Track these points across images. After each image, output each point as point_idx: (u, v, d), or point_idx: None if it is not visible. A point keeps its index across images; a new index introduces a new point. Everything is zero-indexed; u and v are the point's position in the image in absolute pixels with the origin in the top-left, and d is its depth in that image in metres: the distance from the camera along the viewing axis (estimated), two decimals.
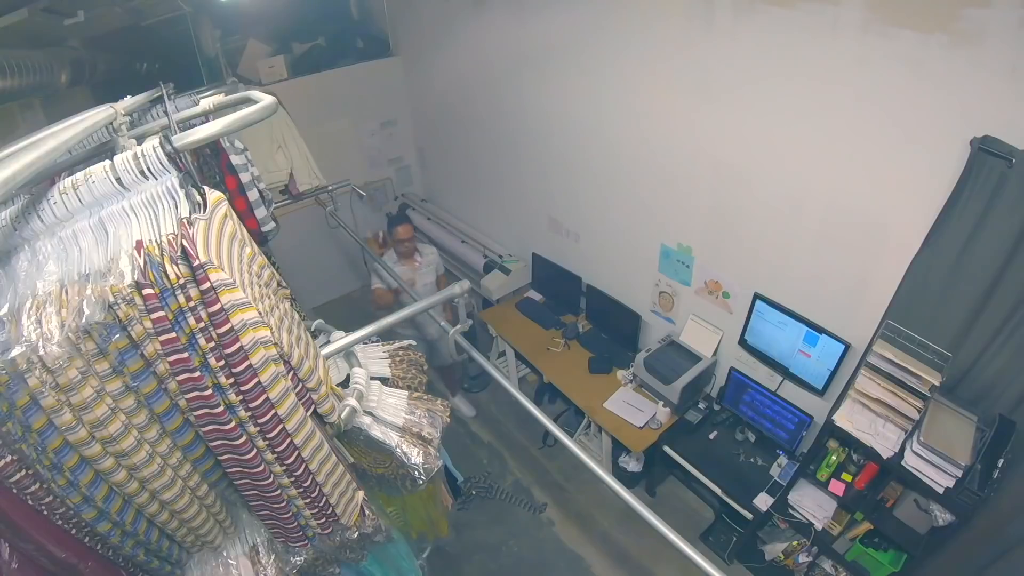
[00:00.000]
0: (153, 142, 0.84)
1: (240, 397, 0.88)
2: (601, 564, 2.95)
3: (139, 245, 0.79)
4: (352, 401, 1.14)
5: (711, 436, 2.86)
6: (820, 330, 2.36)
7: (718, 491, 2.68)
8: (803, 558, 2.52)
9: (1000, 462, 1.72)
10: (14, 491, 0.85)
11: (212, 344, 0.84)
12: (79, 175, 0.82)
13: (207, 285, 0.79)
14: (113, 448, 0.86)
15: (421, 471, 1.24)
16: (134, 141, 1.08)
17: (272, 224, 2.08)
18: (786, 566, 2.63)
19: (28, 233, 0.84)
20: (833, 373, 2.38)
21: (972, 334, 1.88)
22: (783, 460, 2.66)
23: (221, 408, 0.88)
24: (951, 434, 1.84)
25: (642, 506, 1.16)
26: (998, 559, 1.71)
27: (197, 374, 0.85)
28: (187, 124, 1.29)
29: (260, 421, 0.91)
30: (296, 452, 0.99)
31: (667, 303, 3.10)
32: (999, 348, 1.84)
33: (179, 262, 0.79)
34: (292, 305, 1.23)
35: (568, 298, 3.70)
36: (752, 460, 2.71)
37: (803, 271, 2.36)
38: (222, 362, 0.85)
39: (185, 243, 0.79)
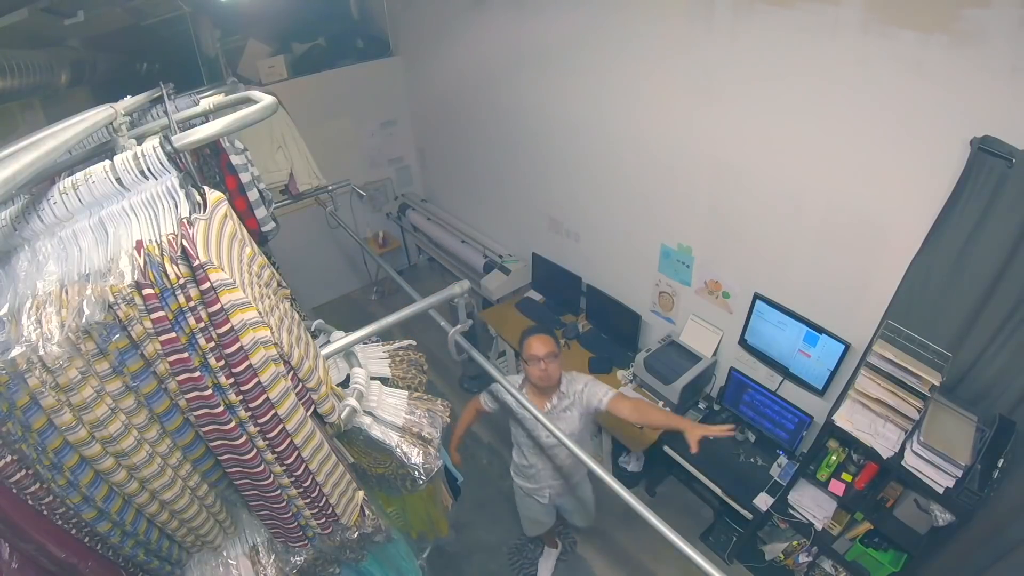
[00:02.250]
0: (153, 142, 0.83)
1: (240, 397, 0.88)
2: (601, 564, 2.95)
3: (139, 245, 0.79)
4: (352, 401, 1.14)
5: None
6: (820, 330, 2.36)
7: (718, 491, 2.68)
8: (803, 558, 2.52)
9: (1000, 462, 1.72)
10: (14, 491, 0.85)
11: (212, 344, 0.84)
12: (79, 175, 0.82)
13: (207, 285, 0.79)
14: (113, 448, 0.86)
15: (421, 471, 1.24)
16: (134, 141, 1.08)
17: (272, 224, 2.08)
18: (786, 566, 2.63)
19: (28, 233, 0.84)
20: (833, 373, 2.38)
21: (972, 334, 1.88)
22: (783, 460, 2.66)
23: (221, 408, 0.88)
24: (951, 434, 1.84)
25: (642, 506, 1.16)
26: (998, 559, 1.71)
27: (197, 374, 0.85)
28: (187, 124, 1.29)
29: (260, 421, 0.91)
30: (296, 452, 0.99)
31: (667, 303, 3.10)
32: (999, 348, 1.84)
33: (179, 262, 0.79)
34: (292, 305, 1.23)
35: (568, 298, 3.70)
36: (752, 460, 2.71)
37: (803, 271, 2.36)
38: (222, 362, 0.85)
39: (185, 243, 0.79)
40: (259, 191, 2.03)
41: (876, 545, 2.20)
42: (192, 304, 0.81)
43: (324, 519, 1.12)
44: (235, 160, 1.92)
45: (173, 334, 0.81)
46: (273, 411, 0.92)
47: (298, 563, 1.20)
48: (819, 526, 2.29)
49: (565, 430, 2.01)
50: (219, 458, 0.96)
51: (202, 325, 0.82)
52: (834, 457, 2.18)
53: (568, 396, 2.10)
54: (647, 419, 2.08)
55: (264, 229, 2.05)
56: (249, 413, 0.90)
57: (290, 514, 1.08)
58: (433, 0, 3.90)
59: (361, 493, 1.21)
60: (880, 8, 1.75)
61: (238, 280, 0.85)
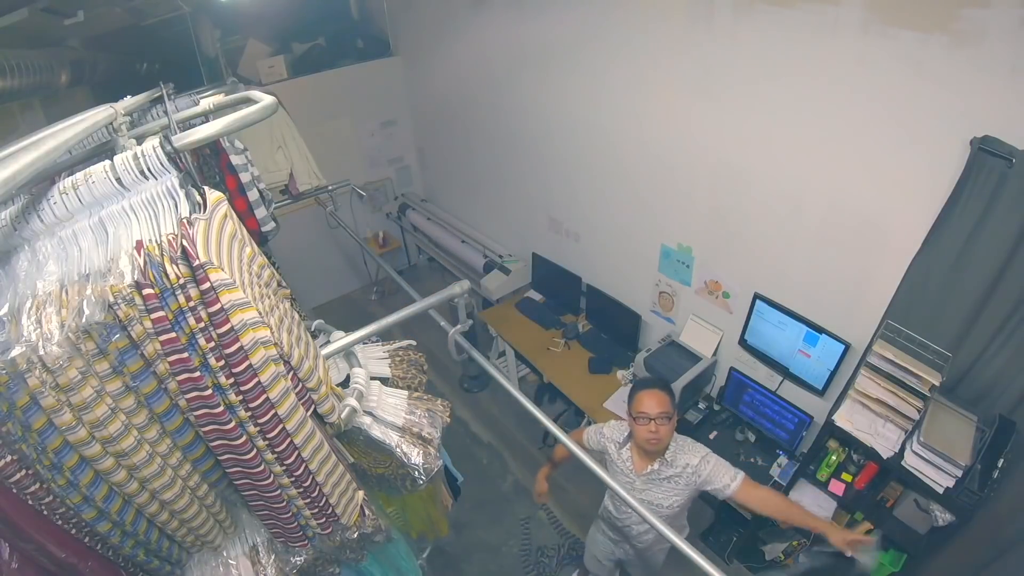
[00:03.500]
0: (153, 142, 0.83)
1: (240, 397, 0.88)
2: None
3: (139, 245, 0.79)
4: (352, 401, 1.14)
5: (711, 436, 2.86)
6: (820, 330, 2.36)
7: None
8: (803, 558, 2.52)
9: (1000, 462, 1.72)
10: (14, 491, 0.85)
11: (212, 344, 0.84)
12: (79, 175, 0.82)
13: (207, 285, 0.79)
14: (113, 448, 0.86)
15: (421, 471, 1.24)
16: (134, 141, 1.08)
17: (272, 224, 2.09)
18: (786, 566, 2.62)
19: (28, 233, 0.84)
20: (833, 373, 2.38)
21: (972, 334, 1.88)
22: (783, 460, 2.66)
23: (221, 408, 0.88)
24: (951, 434, 1.84)
25: (642, 506, 1.16)
26: (998, 559, 1.71)
27: (197, 374, 0.85)
28: (187, 124, 1.29)
29: (260, 421, 0.91)
30: (296, 452, 0.99)
31: (667, 303, 3.10)
32: (999, 348, 1.84)
33: (179, 262, 0.79)
34: (292, 305, 1.23)
35: (568, 298, 3.70)
36: (752, 460, 2.71)
37: (803, 271, 2.36)
38: (222, 362, 0.85)
39: (185, 243, 0.79)
40: (259, 191, 2.03)
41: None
42: (192, 304, 0.81)
43: (324, 519, 1.12)
44: (235, 160, 1.92)
45: (173, 334, 0.81)
46: (273, 411, 0.92)
47: (298, 563, 1.20)
48: None
49: (662, 501, 1.84)
50: (219, 458, 0.96)
51: (202, 325, 0.82)
52: (834, 457, 2.18)
53: (673, 465, 1.82)
54: (783, 515, 1.81)
55: (264, 229, 2.05)
56: (249, 413, 0.90)
57: (290, 514, 1.08)
58: (433, 0, 3.90)
59: (361, 493, 1.21)
60: (880, 8, 1.75)
61: (238, 280, 0.85)
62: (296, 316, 1.14)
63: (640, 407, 1.76)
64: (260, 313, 0.88)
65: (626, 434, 1.93)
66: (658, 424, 1.74)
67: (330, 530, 1.15)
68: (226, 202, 0.92)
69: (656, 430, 1.74)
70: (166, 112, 1.43)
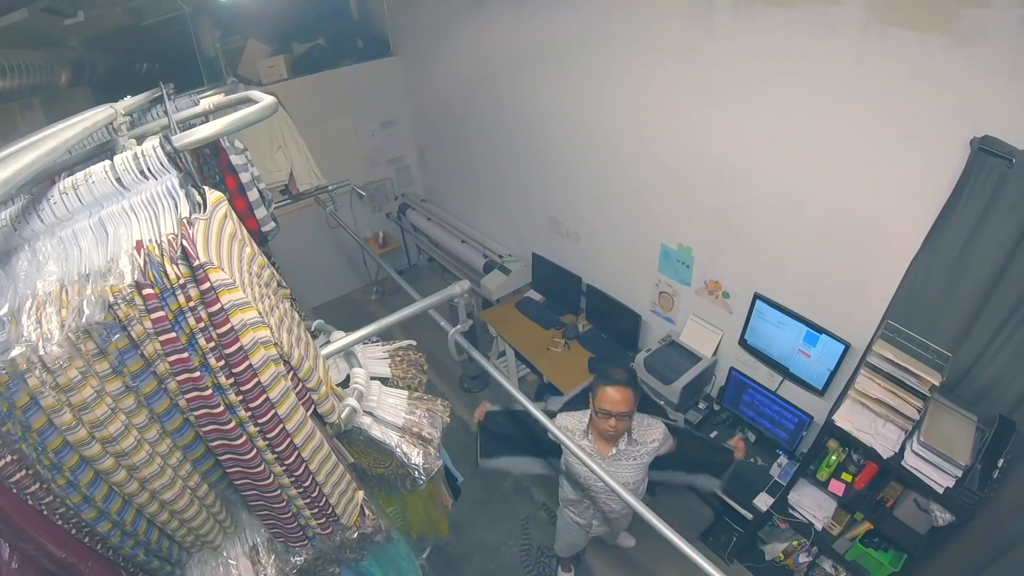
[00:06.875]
0: (153, 142, 0.84)
1: (240, 397, 0.88)
2: (601, 564, 2.95)
3: (139, 245, 0.79)
4: (352, 401, 1.14)
5: (711, 436, 2.86)
6: (820, 330, 2.36)
7: (718, 491, 2.68)
8: (803, 558, 2.52)
9: (1000, 462, 1.72)
10: (14, 491, 0.85)
11: (212, 344, 0.84)
12: (79, 175, 0.82)
13: (207, 285, 0.79)
14: (113, 448, 0.86)
15: (421, 471, 1.24)
16: (134, 141, 1.08)
17: (272, 224, 2.08)
18: (786, 566, 2.63)
19: (28, 233, 0.84)
20: (833, 373, 2.38)
21: (972, 334, 1.88)
22: (783, 460, 2.66)
23: (221, 408, 0.88)
24: (951, 434, 1.84)
25: (642, 506, 1.16)
26: (998, 559, 1.71)
27: (197, 374, 0.85)
28: (187, 124, 1.29)
29: (260, 421, 0.91)
30: (296, 452, 0.99)
31: (667, 303, 3.10)
32: (999, 348, 1.84)
33: (179, 262, 0.79)
34: (292, 305, 1.23)
35: (568, 298, 3.70)
36: (752, 460, 2.71)
37: (803, 271, 2.36)
38: (222, 362, 0.85)
39: (185, 243, 0.79)
40: (259, 191, 2.03)
41: (876, 545, 2.20)
42: (192, 304, 0.81)
43: (324, 519, 1.12)
44: (235, 160, 1.92)
45: (173, 334, 0.81)
46: (273, 411, 0.92)
47: (298, 563, 1.20)
48: (819, 526, 2.29)
49: (629, 480, 1.91)
50: (219, 458, 0.96)
51: (202, 325, 0.82)
52: (834, 457, 2.18)
53: (640, 443, 1.89)
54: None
55: (264, 229, 2.05)
56: (249, 413, 0.90)
57: (290, 514, 1.08)
58: (433, 0, 3.90)
59: (361, 493, 1.21)
60: (880, 8, 1.75)
61: (238, 280, 0.85)
62: (296, 316, 1.14)
63: (604, 404, 1.76)
64: (260, 313, 0.88)
65: (586, 422, 1.94)
66: (619, 420, 1.78)
67: (330, 530, 1.15)
68: (226, 202, 0.92)
69: (616, 425, 1.79)
70: (166, 112, 1.42)
